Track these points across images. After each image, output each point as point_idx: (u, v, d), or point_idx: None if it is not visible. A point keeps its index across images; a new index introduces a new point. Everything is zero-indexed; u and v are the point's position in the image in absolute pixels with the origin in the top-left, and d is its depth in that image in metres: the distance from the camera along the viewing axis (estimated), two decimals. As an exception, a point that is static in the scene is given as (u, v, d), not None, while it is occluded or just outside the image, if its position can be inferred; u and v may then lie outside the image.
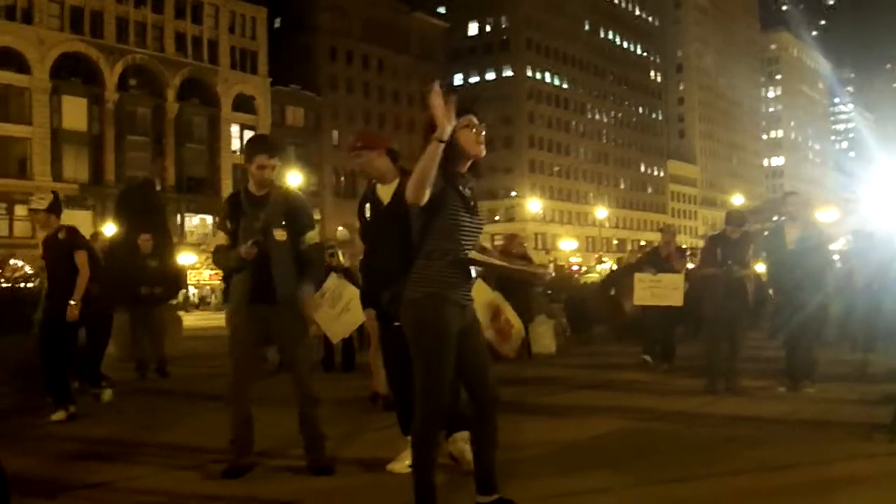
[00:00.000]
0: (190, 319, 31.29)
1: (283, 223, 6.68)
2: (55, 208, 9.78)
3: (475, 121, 5.04)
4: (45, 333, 9.81)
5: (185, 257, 58.36)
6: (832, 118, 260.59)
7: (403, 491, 5.08)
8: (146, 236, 14.73)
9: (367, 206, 6.53)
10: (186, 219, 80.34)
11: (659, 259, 14.08)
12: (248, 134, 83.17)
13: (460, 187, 4.97)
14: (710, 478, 6.14)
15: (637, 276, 14.03)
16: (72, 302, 9.52)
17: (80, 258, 9.80)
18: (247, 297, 6.63)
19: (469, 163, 5.06)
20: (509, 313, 8.97)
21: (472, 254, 5.04)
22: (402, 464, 5.93)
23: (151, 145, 79.05)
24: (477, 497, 5.10)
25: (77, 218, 69.51)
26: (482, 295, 7.83)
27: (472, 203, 5.03)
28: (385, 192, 6.43)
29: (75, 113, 73.87)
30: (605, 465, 6.66)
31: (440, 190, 4.81)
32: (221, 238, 6.82)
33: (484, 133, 5.06)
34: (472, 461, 5.22)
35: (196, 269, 73.24)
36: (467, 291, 5.02)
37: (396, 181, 6.32)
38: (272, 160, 6.71)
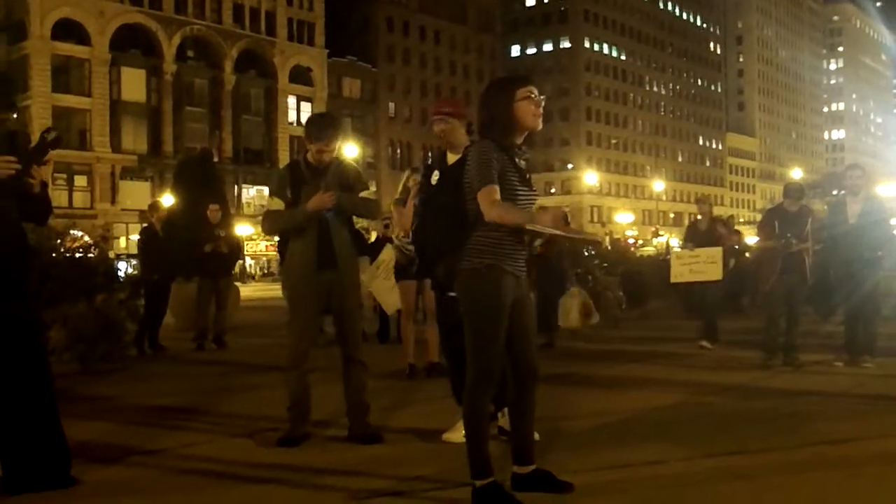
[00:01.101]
0: (247, 291, 31.56)
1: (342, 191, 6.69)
2: None
3: (535, 92, 4.99)
4: None
5: (242, 228, 58.77)
6: (895, 91, 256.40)
7: (458, 460, 5.10)
8: (215, 206, 14.83)
9: (436, 173, 6.48)
10: (243, 190, 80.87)
11: (698, 233, 13.78)
12: (305, 106, 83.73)
13: (516, 159, 4.95)
14: (767, 451, 6.08)
15: (674, 252, 13.70)
16: None
17: None
18: (312, 265, 6.66)
19: (525, 134, 5.03)
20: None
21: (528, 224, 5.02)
22: (458, 433, 5.93)
23: (209, 117, 79.65)
24: (514, 468, 5.10)
25: (136, 189, 70.42)
26: None
27: (527, 175, 5.01)
28: (454, 161, 6.41)
29: (134, 84, 74.63)
30: (659, 437, 6.63)
31: (499, 163, 4.80)
32: (276, 204, 6.80)
33: (542, 105, 5.01)
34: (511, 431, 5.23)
35: (253, 240, 73.85)
36: (522, 262, 5.01)
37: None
38: (330, 146, 6.72)
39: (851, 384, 9.25)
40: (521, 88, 4.95)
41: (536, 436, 5.32)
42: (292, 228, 6.78)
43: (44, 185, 5.49)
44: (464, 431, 5.03)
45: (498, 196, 4.73)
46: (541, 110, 4.99)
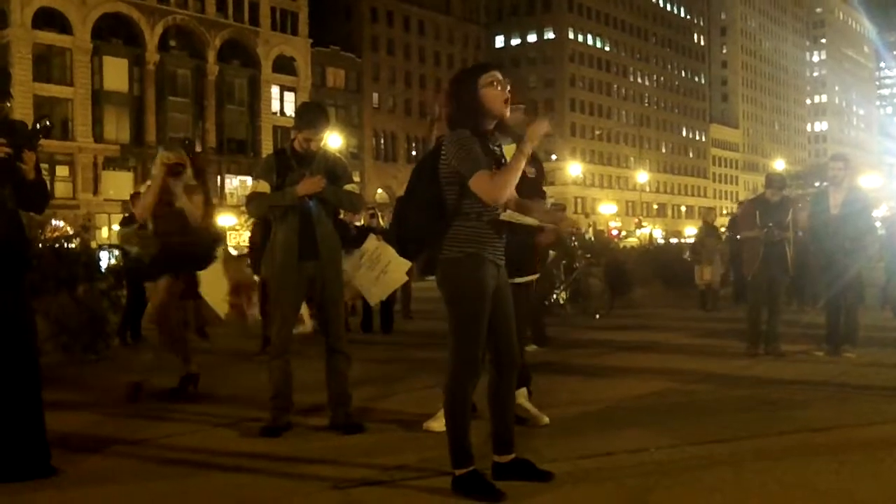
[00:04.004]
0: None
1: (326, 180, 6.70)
2: None
3: (499, 77, 4.98)
4: None
5: (224, 219, 58.56)
6: (877, 83, 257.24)
7: (439, 449, 5.11)
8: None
9: None
10: (227, 180, 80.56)
11: None
12: (289, 95, 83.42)
13: (490, 146, 4.94)
14: (749, 439, 6.10)
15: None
16: None
17: None
18: (294, 255, 6.68)
19: (495, 122, 5.02)
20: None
21: (505, 214, 5.01)
22: (440, 422, 5.93)
23: (192, 107, 79.22)
24: (494, 457, 5.13)
25: (119, 179, 70.10)
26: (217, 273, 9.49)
27: (502, 161, 5.01)
28: None
29: (116, 74, 74.14)
30: (642, 425, 6.65)
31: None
32: (263, 187, 6.82)
33: (509, 90, 5.00)
34: (491, 419, 5.23)
35: (236, 230, 73.64)
36: (501, 250, 5.01)
37: None
38: (319, 135, 6.82)
39: (833, 373, 9.29)
40: (483, 75, 4.95)
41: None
42: (278, 209, 6.76)
43: (38, 171, 5.48)
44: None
45: (490, 177, 4.74)
46: (507, 94, 4.98)
